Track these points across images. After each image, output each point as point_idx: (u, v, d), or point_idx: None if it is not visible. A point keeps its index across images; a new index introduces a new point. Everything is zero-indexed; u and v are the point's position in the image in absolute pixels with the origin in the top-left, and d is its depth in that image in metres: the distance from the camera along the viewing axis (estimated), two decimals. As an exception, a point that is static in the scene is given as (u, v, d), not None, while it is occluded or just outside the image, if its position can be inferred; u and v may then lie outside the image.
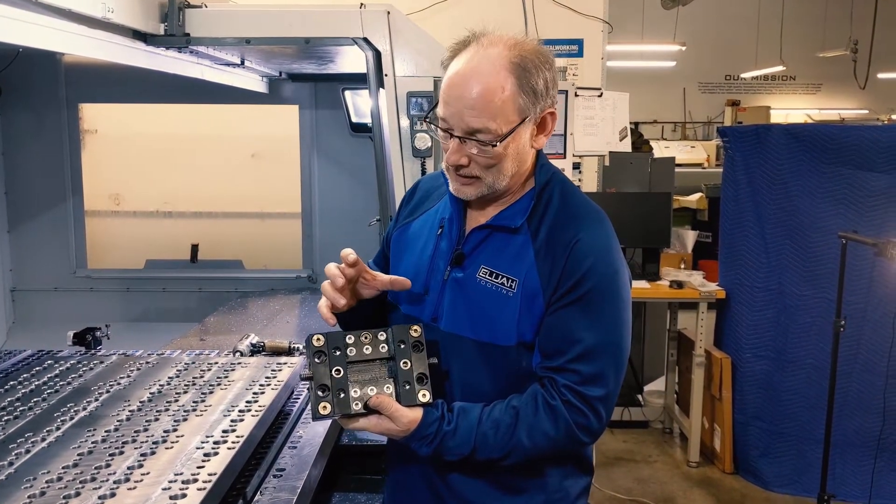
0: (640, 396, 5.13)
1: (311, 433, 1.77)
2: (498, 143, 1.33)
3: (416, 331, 1.40)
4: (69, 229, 3.40)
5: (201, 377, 1.84)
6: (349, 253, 1.41)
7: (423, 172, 2.43)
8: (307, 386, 1.37)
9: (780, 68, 12.39)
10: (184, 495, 1.23)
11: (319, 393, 1.34)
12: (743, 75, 13.59)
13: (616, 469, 4.33)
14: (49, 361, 1.97)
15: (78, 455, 1.38)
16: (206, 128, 3.55)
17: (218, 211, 3.59)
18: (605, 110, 4.10)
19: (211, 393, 1.73)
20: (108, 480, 1.28)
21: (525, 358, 1.41)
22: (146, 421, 1.55)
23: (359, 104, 3.31)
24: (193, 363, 1.96)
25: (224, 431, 1.50)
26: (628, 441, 4.73)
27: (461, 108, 1.32)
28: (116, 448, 1.41)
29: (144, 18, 2.21)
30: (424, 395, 1.35)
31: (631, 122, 4.50)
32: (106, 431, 1.49)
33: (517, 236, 1.41)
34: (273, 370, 1.91)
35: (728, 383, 4.18)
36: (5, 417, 1.57)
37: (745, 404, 4.17)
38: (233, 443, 1.44)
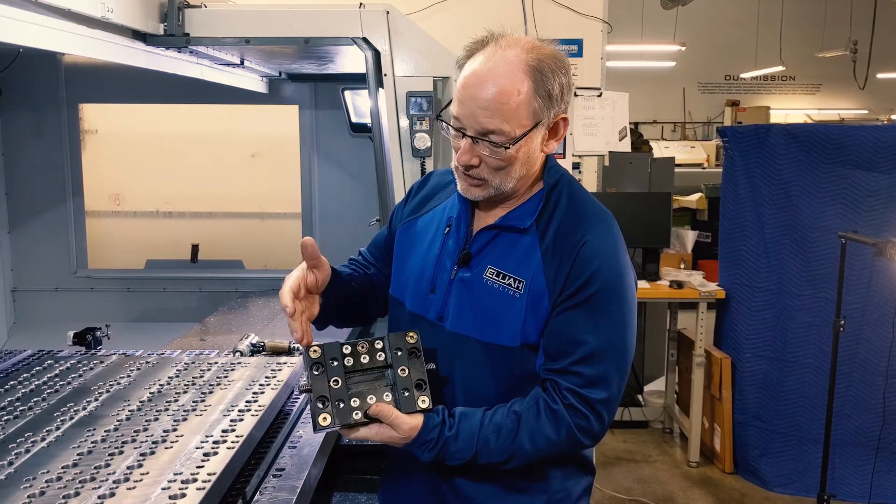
0: (640, 396, 5.13)
1: (311, 433, 1.76)
2: (510, 146, 1.32)
3: (412, 337, 1.40)
4: (69, 229, 3.40)
5: (201, 377, 1.84)
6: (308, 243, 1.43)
7: (423, 172, 2.43)
8: (307, 398, 1.37)
9: (779, 68, 12.39)
10: (183, 495, 1.23)
11: (319, 405, 1.33)
12: (743, 75, 13.59)
13: (616, 469, 4.33)
14: (49, 361, 1.97)
15: (78, 455, 1.38)
16: (207, 128, 3.54)
17: (218, 211, 3.58)
18: (605, 110, 4.10)
19: (211, 393, 1.73)
20: (107, 480, 1.28)
21: (529, 359, 1.40)
22: (146, 421, 1.55)
23: (358, 104, 3.30)
24: (193, 363, 1.96)
25: (224, 431, 1.50)
26: (628, 441, 4.73)
27: (475, 108, 1.31)
28: (116, 448, 1.41)
29: (144, 18, 2.21)
30: (424, 401, 1.35)
31: (631, 123, 4.50)
32: (106, 431, 1.49)
33: (525, 237, 1.41)
34: (273, 370, 1.91)
35: (728, 383, 4.19)
36: (5, 417, 1.57)
37: (745, 404, 4.17)
38: (232, 442, 1.44)
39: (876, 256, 3.01)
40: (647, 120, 12.66)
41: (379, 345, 1.40)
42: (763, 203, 4.07)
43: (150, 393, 1.73)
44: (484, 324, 1.41)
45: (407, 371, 1.37)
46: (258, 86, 3.28)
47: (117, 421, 1.55)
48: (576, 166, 3.82)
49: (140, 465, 1.34)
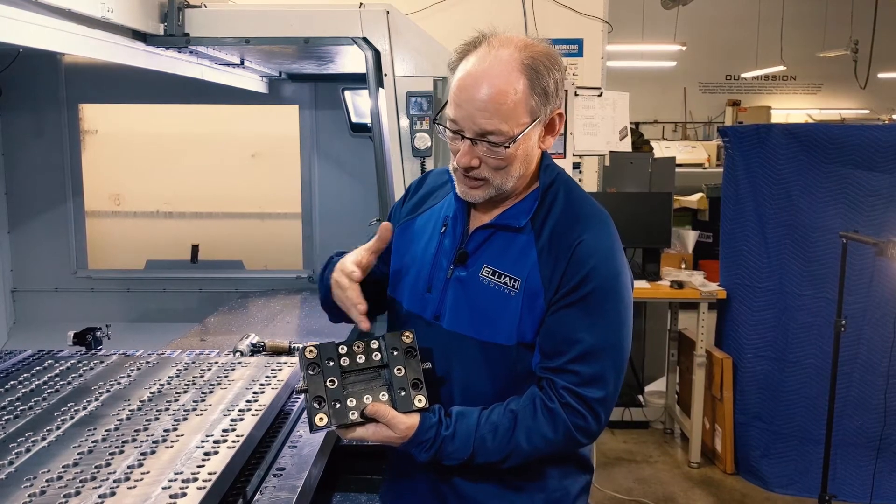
0: (640, 397, 5.12)
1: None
2: (510, 145, 1.32)
3: (408, 337, 1.40)
4: (69, 230, 3.41)
5: (201, 377, 1.84)
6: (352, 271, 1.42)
7: (423, 172, 2.43)
8: (304, 398, 1.37)
9: (780, 68, 12.39)
10: (184, 494, 1.23)
11: (315, 405, 1.33)
12: (743, 75, 13.59)
13: (617, 469, 4.32)
14: (49, 361, 1.97)
15: (78, 454, 1.38)
16: (207, 128, 3.55)
17: (218, 211, 3.59)
18: (605, 110, 4.09)
19: (211, 392, 1.73)
20: (108, 479, 1.28)
21: (525, 358, 1.40)
22: (146, 420, 1.55)
23: (358, 104, 3.31)
24: (193, 363, 1.96)
25: (224, 431, 1.50)
26: (629, 441, 4.72)
27: (472, 110, 1.31)
28: (117, 447, 1.41)
29: (144, 18, 2.21)
30: (420, 401, 1.35)
31: (631, 122, 4.50)
32: (106, 431, 1.49)
33: (520, 236, 1.41)
34: (273, 370, 1.91)
35: (729, 383, 4.18)
36: (6, 417, 1.57)
37: (746, 404, 4.17)
38: (233, 442, 1.44)
39: (877, 256, 3.00)
40: (647, 120, 12.66)
41: (375, 345, 1.40)
42: (764, 203, 4.06)
43: (151, 392, 1.73)
44: (480, 323, 1.41)
45: (403, 371, 1.37)
46: (258, 86, 3.28)
47: (118, 420, 1.55)
48: (576, 166, 3.81)
49: (140, 465, 1.34)
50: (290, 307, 3.12)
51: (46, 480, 1.27)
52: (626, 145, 4.22)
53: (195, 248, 3.52)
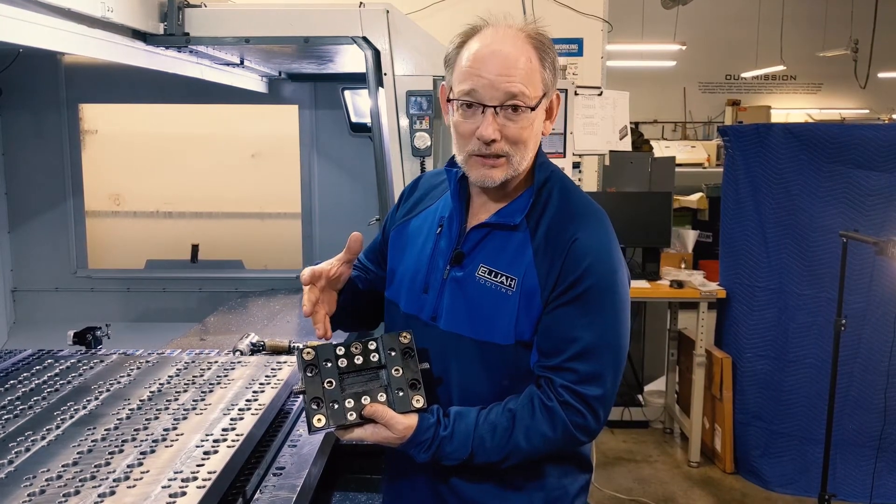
0: (640, 396, 5.12)
1: (311, 432, 1.77)
2: (536, 107, 1.35)
3: (405, 337, 1.40)
4: (69, 229, 3.40)
5: (201, 376, 1.85)
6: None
7: (423, 171, 2.43)
8: (302, 399, 1.37)
9: (780, 68, 12.40)
10: (183, 493, 1.23)
11: (313, 406, 1.33)
12: (743, 75, 13.59)
13: (616, 469, 4.32)
14: (49, 361, 1.98)
15: (78, 453, 1.38)
16: (206, 128, 3.55)
17: (218, 211, 3.59)
18: (605, 109, 4.09)
19: (211, 392, 1.73)
20: (107, 479, 1.28)
21: (523, 357, 1.40)
22: (146, 419, 1.55)
23: (358, 104, 3.30)
24: (193, 362, 1.96)
25: (224, 430, 1.50)
26: (628, 441, 4.73)
27: (493, 77, 1.33)
28: (116, 446, 1.41)
29: (144, 18, 2.21)
30: (418, 401, 1.35)
31: (631, 122, 4.50)
32: (106, 430, 1.49)
33: (516, 234, 1.41)
34: (273, 369, 1.91)
35: (729, 383, 4.18)
36: (6, 416, 1.57)
37: (746, 404, 4.17)
38: (232, 441, 1.44)
39: (877, 255, 3.00)
40: (647, 119, 12.67)
41: (372, 345, 1.40)
42: (764, 202, 4.06)
43: (151, 392, 1.73)
44: (477, 322, 1.41)
45: (401, 371, 1.37)
46: (258, 86, 3.28)
47: (117, 420, 1.55)
48: (576, 165, 3.81)
49: (140, 464, 1.34)
50: (289, 307, 3.12)
51: (46, 480, 1.27)
52: (625, 145, 4.21)
53: (195, 248, 3.52)
